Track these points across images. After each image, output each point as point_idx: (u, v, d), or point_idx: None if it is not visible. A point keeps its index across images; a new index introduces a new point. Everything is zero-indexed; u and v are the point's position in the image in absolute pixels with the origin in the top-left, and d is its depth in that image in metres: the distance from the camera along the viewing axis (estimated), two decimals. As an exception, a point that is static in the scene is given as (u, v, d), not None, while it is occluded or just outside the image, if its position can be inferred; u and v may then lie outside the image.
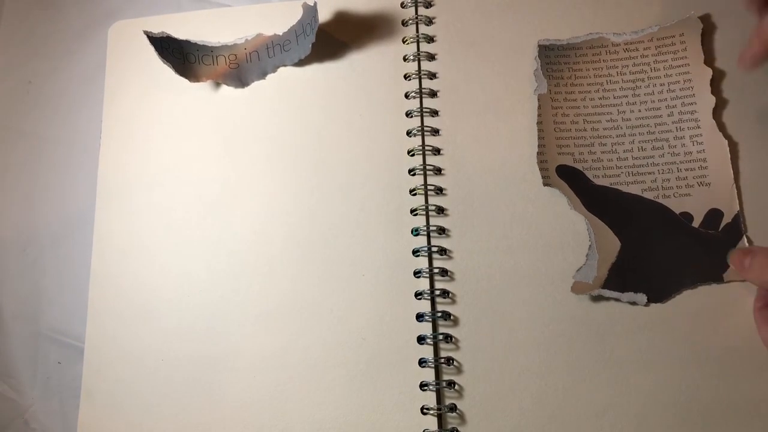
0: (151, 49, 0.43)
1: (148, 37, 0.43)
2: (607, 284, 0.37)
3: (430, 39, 0.44)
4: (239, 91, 0.45)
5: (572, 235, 0.39)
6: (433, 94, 0.43)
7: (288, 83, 0.45)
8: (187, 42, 0.44)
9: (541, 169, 0.40)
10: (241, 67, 0.45)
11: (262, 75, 0.45)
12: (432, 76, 0.43)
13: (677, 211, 0.38)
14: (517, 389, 0.37)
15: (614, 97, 0.41)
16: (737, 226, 0.37)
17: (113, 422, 0.40)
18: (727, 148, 0.39)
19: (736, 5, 0.38)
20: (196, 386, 0.40)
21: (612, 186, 0.39)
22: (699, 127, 0.39)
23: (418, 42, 0.44)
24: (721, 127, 0.39)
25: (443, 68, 0.43)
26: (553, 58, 0.42)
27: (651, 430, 0.36)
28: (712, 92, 0.40)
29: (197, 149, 0.44)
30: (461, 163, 0.41)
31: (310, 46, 0.43)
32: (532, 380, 0.37)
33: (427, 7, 0.45)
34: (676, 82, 0.40)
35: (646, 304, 0.37)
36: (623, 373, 0.37)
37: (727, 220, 0.38)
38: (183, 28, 0.45)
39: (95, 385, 0.41)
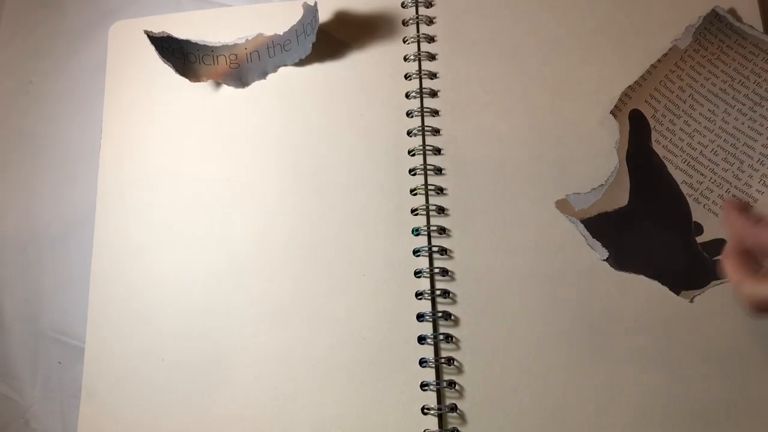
0: (152, 49, 0.43)
1: (149, 37, 0.43)
2: (587, 223, 0.39)
3: (431, 39, 0.44)
4: (239, 91, 0.45)
5: (572, 235, 0.39)
6: (433, 93, 0.43)
7: (288, 83, 0.45)
8: (187, 42, 0.44)
9: (620, 99, 0.40)
10: (241, 67, 0.45)
11: (263, 75, 0.45)
12: (432, 76, 0.43)
13: (694, 218, 0.39)
14: (517, 389, 0.37)
15: (732, 98, 0.40)
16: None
17: (113, 422, 0.40)
18: None
19: None
20: (196, 386, 0.40)
21: (663, 159, 0.40)
22: None
23: (418, 42, 0.44)
24: None
25: (444, 68, 0.43)
26: (714, 30, 0.41)
27: (651, 430, 0.36)
28: None
29: (197, 149, 0.44)
30: (461, 163, 0.41)
31: (311, 45, 0.43)
32: (532, 380, 0.37)
33: (427, 7, 0.45)
34: None
35: (602, 261, 0.38)
36: (623, 373, 0.37)
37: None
38: (183, 28, 0.45)
39: (95, 385, 0.41)
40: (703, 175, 0.39)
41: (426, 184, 0.41)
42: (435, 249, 0.40)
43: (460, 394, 0.38)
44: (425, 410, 0.38)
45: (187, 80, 0.44)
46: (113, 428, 0.40)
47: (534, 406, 0.37)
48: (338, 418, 0.38)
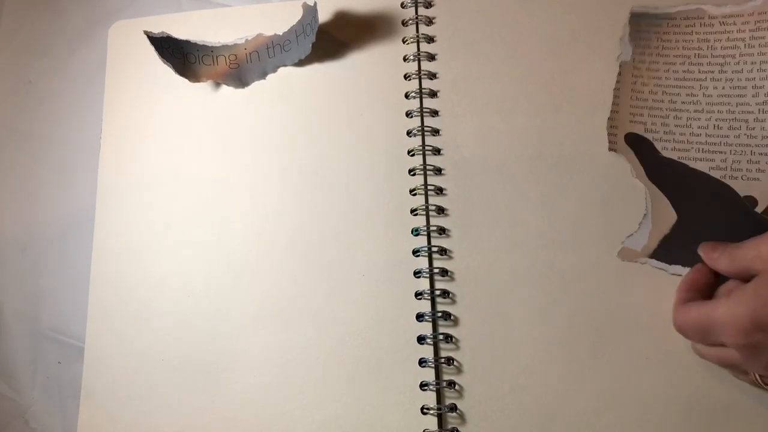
0: (152, 49, 0.43)
1: (149, 37, 0.43)
2: (655, 254, 0.37)
3: (430, 39, 0.44)
4: (239, 91, 0.45)
5: (572, 235, 0.39)
6: (433, 94, 0.43)
7: (288, 83, 0.45)
8: (187, 42, 0.44)
9: (609, 134, 0.39)
10: (241, 67, 0.45)
11: (263, 75, 0.45)
12: (432, 76, 0.43)
13: (741, 194, 0.37)
14: (517, 389, 0.37)
15: (699, 72, 0.40)
16: None
17: (113, 422, 0.40)
18: None
19: None
20: (196, 386, 0.40)
21: (680, 160, 0.39)
22: None
23: (418, 42, 0.44)
24: None
25: (443, 68, 0.43)
26: (643, 26, 0.41)
27: (651, 430, 0.36)
28: None
29: (197, 149, 0.44)
30: (461, 163, 0.41)
31: (311, 46, 0.43)
32: (532, 380, 0.37)
33: (427, 7, 0.45)
34: None
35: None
36: (623, 373, 0.37)
37: None
38: (183, 28, 0.45)
39: (95, 385, 0.41)
40: (722, 152, 0.38)
41: (426, 184, 0.41)
42: (435, 249, 0.40)
43: (460, 394, 0.38)
44: (425, 410, 0.38)
45: (186, 80, 0.44)
46: (113, 428, 0.40)
47: (534, 406, 0.37)
48: (338, 418, 0.38)
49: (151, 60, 0.44)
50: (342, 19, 0.45)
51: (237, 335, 0.40)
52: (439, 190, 0.41)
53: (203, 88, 0.45)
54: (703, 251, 0.35)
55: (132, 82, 0.46)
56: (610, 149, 0.39)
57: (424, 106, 0.43)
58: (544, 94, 0.42)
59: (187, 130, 0.45)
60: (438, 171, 0.41)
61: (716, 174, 0.38)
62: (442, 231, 0.40)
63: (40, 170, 0.47)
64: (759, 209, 0.37)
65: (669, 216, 0.38)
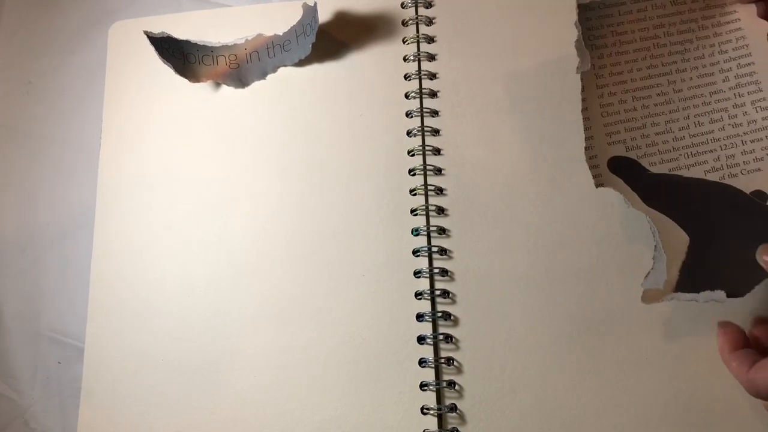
0: (152, 49, 0.43)
1: (148, 37, 0.43)
2: (680, 286, 0.33)
3: (431, 39, 0.44)
4: (239, 91, 0.45)
5: (572, 235, 0.39)
6: (433, 94, 0.43)
7: (288, 83, 0.45)
8: (187, 42, 0.44)
9: (591, 167, 0.35)
10: (241, 67, 0.45)
11: (262, 75, 0.45)
12: (432, 76, 0.43)
13: (748, 191, 0.34)
14: (517, 389, 0.37)
15: (663, 65, 0.36)
16: None
17: (113, 422, 0.40)
18: None
19: None
20: (196, 386, 0.40)
21: (671, 172, 0.35)
22: (761, 90, 0.35)
23: (418, 42, 0.44)
24: None
25: (443, 68, 0.43)
26: (595, 21, 0.37)
27: (651, 430, 0.36)
28: None
29: (197, 149, 0.44)
30: (461, 163, 0.41)
31: (310, 46, 0.43)
32: (532, 380, 0.37)
33: (427, 7, 0.45)
34: (728, 41, 0.36)
35: (725, 302, 0.32)
36: (623, 373, 0.37)
37: None
38: (183, 28, 0.45)
39: (95, 385, 0.41)
40: (712, 151, 0.35)
41: (426, 184, 0.41)
42: (434, 249, 0.40)
43: (460, 394, 0.38)
44: (425, 410, 0.38)
45: (186, 81, 0.44)
46: (113, 428, 0.40)
47: (534, 406, 0.37)
48: (338, 418, 0.38)
49: (151, 60, 0.44)
50: (342, 19, 0.45)
51: (237, 335, 0.40)
52: (439, 190, 0.41)
53: (203, 88, 0.45)
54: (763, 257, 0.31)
55: (132, 82, 0.46)
56: (598, 185, 0.35)
57: (424, 106, 0.43)
58: (544, 94, 0.42)
59: (187, 130, 0.45)
60: (438, 171, 0.41)
61: (714, 176, 0.35)
62: (442, 231, 0.40)
63: (40, 170, 0.47)
64: None
65: (681, 239, 0.34)
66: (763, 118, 0.35)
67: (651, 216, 0.34)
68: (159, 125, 0.45)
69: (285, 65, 0.45)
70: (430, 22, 0.44)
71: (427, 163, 0.42)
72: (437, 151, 0.42)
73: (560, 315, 0.38)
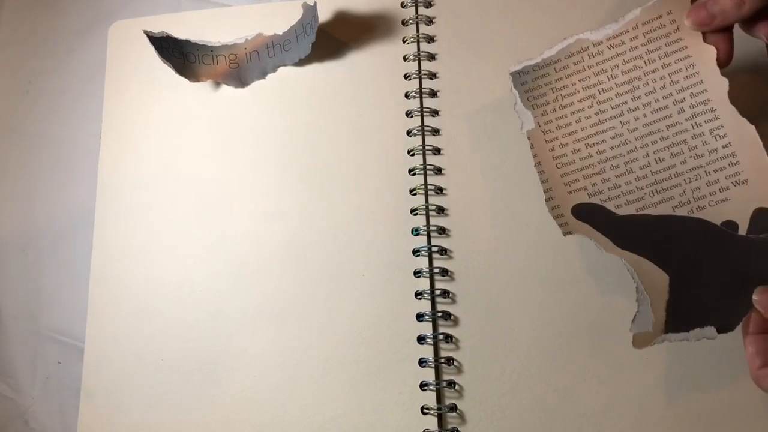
0: (152, 48, 0.43)
1: (148, 36, 0.42)
2: (670, 326, 0.32)
3: (431, 39, 0.44)
4: (239, 91, 0.45)
5: (572, 235, 0.39)
6: (433, 93, 0.43)
7: (288, 83, 0.45)
8: (187, 42, 0.44)
9: (555, 217, 0.35)
10: (241, 67, 0.45)
11: (262, 75, 0.45)
12: (432, 76, 0.43)
13: (718, 222, 0.33)
14: (517, 389, 0.37)
15: (612, 108, 0.35)
16: None
17: (113, 422, 0.40)
18: (756, 135, 0.33)
19: None
20: (195, 386, 0.40)
21: (639, 212, 0.34)
22: (717, 117, 0.34)
23: (418, 42, 0.44)
24: (743, 111, 0.33)
25: (443, 68, 0.43)
26: (531, 83, 0.36)
27: (651, 430, 0.36)
28: (723, 74, 0.34)
29: (197, 149, 0.44)
30: (461, 163, 0.41)
31: (310, 45, 0.43)
32: (532, 380, 0.37)
33: (427, 7, 0.45)
34: (678, 70, 0.35)
35: (717, 338, 0.32)
36: (623, 373, 0.37)
37: None
38: (183, 27, 0.45)
39: (95, 385, 0.41)
40: (677, 185, 0.34)
41: (426, 184, 0.41)
42: (435, 249, 0.40)
43: (460, 394, 0.38)
44: (425, 410, 0.38)
45: (186, 80, 0.44)
46: (113, 428, 0.40)
47: (534, 406, 0.37)
48: (338, 418, 0.38)
49: (150, 59, 0.44)
50: (342, 19, 0.45)
51: (237, 335, 0.40)
52: (439, 190, 0.41)
53: (203, 88, 0.45)
54: (763, 305, 0.31)
55: (131, 82, 0.46)
56: (565, 233, 0.34)
57: (424, 105, 0.43)
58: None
59: (187, 130, 0.45)
60: (438, 171, 0.41)
61: (683, 211, 0.34)
62: (442, 231, 0.40)
63: (40, 170, 0.47)
64: (742, 230, 0.33)
65: (661, 278, 0.33)
66: (723, 146, 0.34)
67: (627, 258, 0.34)
68: (159, 125, 0.45)
69: (285, 65, 0.45)
70: (430, 21, 0.44)
71: (427, 162, 0.42)
72: (437, 151, 0.42)
73: (560, 315, 0.38)
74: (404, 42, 0.44)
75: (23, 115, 0.49)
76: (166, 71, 0.44)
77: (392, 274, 0.40)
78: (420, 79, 0.43)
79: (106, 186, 0.45)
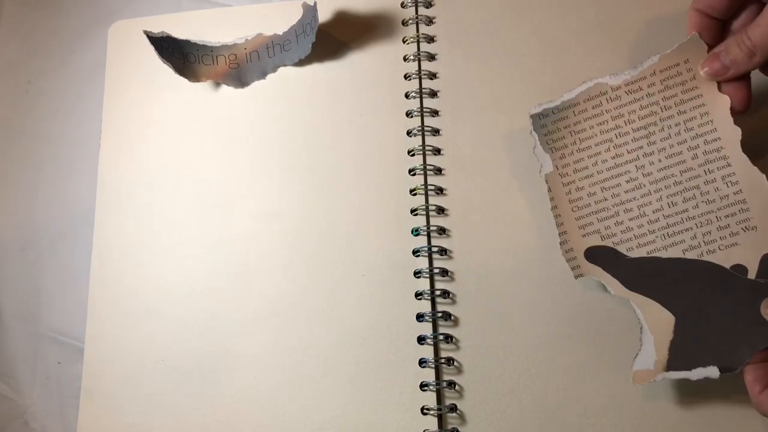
0: (152, 49, 0.43)
1: (148, 36, 0.42)
2: (671, 365, 0.33)
3: (431, 39, 0.44)
4: (239, 91, 0.45)
5: (583, 277, 0.38)
6: (433, 94, 0.43)
7: (288, 83, 0.45)
8: (186, 42, 0.44)
9: (568, 260, 0.36)
10: (241, 67, 0.45)
11: (262, 75, 0.45)
12: (432, 76, 0.43)
13: (727, 266, 0.34)
14: (517, 389, 0.37)
15: (628, 152, 0.36)
16: None
17: (113, 422, 0.40)
18: (767, 183, 0.34)
19: None
20: (195, 386, 0.40)
21: (649, 255, 0.35)
22: (729, 165, 0.35)
23: (418, 42, 0.44)
24: (755, 160, 0.35)
25: (443, 68, 0.43)
26: (551, 126, 0.37)
27: (650, 430, 0.36)
28: (737, 123, 0.35)
29: (197, 149, 0.44)
30: (461, 163, 0.41)
31: (310, 46, 0.43)
32: (532, 380, 0.37)
33: (427, 7, 0.45)
34: (693, 118, 0.36)
35: (719, 378, 0.33)
36: (623, 373, 0.37)
37: None
38: (183, 27, 0.45)
39: (95, 385, 0.41)
40: (688, 229, 0.35)
41: (426, 184, 0.41)
42: (435, 249, 0.40)
43: (460, 394, 0.38)
44: (425, 410, 0.38)
45: (186, 81, 0.44)
46: (113, 428, 0.40)
47: (534, 406, 0.37)
48: (338, 418, 0.38)
49: (150, 60, 0.44)
50: (342, 19, 0.45)
51: (237, 335, 0.40)
52: (439, 190, 0.41)
53: (203, 88, 0.45)
54: None
55: (131, 82, 0.46)
56: (577, 276, 0.36)
57: (424, 106, 0.43)
58: (544, 94, 0.42)
59: (187, 130, 0.45)
60: (438, 171, 0.41)
61: (692, 255, 0.35)
62: (442, 231, 0.40)
63: (40, 170, 0.47)
64: (751, 275, 0.34)
65: (666, 319, 0.34)
66: (734, 193, 0.35)
67: (633, 300, 0.35)
68: (159, 125, 0.45)
69: (285, 65, 0.45)
70: (430, 21, 0.44)
71: (427, 163, 0.42)
72: (437, 151, 0.42)
73: (560, 315, 0.38)
74: (404, 42, 0.44)
75: (23, 115, 0.49)
76: (167, 71, 0.44)
77: (392, 274, 0.40)
78: (420, 79, 0.43)
79: (106, 186, 0.45)
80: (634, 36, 0.42)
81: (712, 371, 0.33)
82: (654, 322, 0.34)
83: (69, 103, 0.48)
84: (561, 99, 0.37)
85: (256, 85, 0.45)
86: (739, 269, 0.34)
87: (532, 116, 0.37)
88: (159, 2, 0.49)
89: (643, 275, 0.35)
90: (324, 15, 0.45)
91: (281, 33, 0.44)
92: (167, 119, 0.45)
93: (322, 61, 0.45)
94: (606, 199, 0.36)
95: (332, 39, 0.45)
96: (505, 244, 0.39)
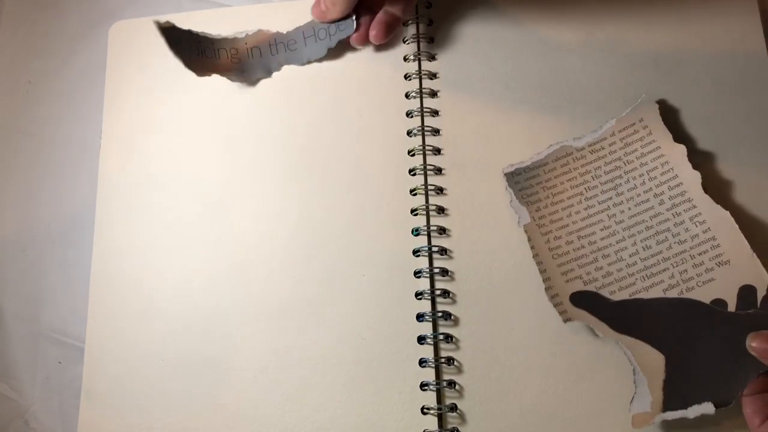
0: (153, 48, 0.43)
1: (159, 27, 0.40)
2: (667, 405, 0.34)
3: (431, 39, 0.44)
4: (239, 91, 0.45)
5: (572, 322, 0.38)
6: (433, 94, 0.43)
7: (289, 83, 0.45)
8: (189, 32, 0.42)
9: (555, 305, 0.37)
10: (243, 62, 0.44)
11: (267, 73, 0.45)
12: (432, 76, 0.43)
13: (707, 301, 0.36)
14: (517, 389, 0.37)
15: (599, 203, 0.39)
16: None
17: (113, 422, 0.40)
18: (732, 219, 0.36)
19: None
20: (195, 386, 0.40)
21: (632, 297, 0.37)
22: (695, 206, 0.37)
23: (418, 42, 0.44)
24: (717, 199, 0.37)
25: (443, 68, 0.43)
26: (524, 183, 0.40)
27: (650, 430, 0.36)
28: (695, 167, 0.38)
29: (197, 149, 0.44)
30: (461, 163, 0.41)
31: (326, 50, 0.43)
32: (532, 380, 0.37)
33: (427, 7, 0.45)
34: (655, 168, 0.39)
35: (715, 413, 0.33)
36: (623, 374, 0.37)
37: (762, 292, 0.35)
38: (183, 27, 0.45)
39: (95, 385, 0.41)
40: (665, 270, 0.37)
41: (426, 184, 0.41)
42: (435, 249, 0.40)
43: (460, 394, 0.38)
44: (425, 410, 0.38)
45: (185, 81, 0.44)
46: (113, 428, 0.40)
47: (533, 406, 0.37)
48: (338, 418, 0.38)
49: (151, 60, 0.44)
50: (342, 19, 0.45)
51: (237, 335, 0.40)
52: (439, 190, 0.41)
53: (203, 88, 0.45)
54: (759, 351, 0.32)
55: (132, 82, 0.46)
56: (566, 321, 0.36)
57: (424, 106, 0.43)
58: (544, 95, 0.42)
59: (187, 130, 0.45)
60: (438, 171, 0.41)
61: (673, 293, 0.36)
62: (442, 231, 0.40)
63: (40, 170, 0.47)
64: (731, 307, 0.35)
65: (656, 359, 0.35)
66: (703, 231, 0.37)
67: (623, 342, 0.36)
68: (159, 125, 0.45)
69: (290, 64, 0.44)
70: (430, 21, 0.44)
71: (427, 163, 0.42)
72: (437, 151, 0.42)
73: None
74: (404, 42, 0.44)
75: (23, 115, 0.49)
76: (167, 71, 0.44)
77: (392, 274, 0.40)
78: (420, 79, 0.43)
79: (106, 186, 0.45)
80: (633, 33, 0.42)
81: (708, 407, 0.33)
82: (645, 363, 0.35)
83: (69, 104, 0.48)
84: (531, 160, 0.40)
85: (256, 85, 0.45)
86: (720, 303, 0.36)
87: (505, 174, 0.40)
88: (159, 2, 0.49)
89: (628, 317, 0.36)
90: (324, 15, 0.45)
91: (285, 32, 0.44)
92: (168, 119, 0.45)
93: (322, 61, 0.45)
94: (584, 247, 0.38)
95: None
96: (505, 243, 0.39)
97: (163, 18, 0.47)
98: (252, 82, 0.45)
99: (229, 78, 0.44)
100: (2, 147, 0.48)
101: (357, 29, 0.42)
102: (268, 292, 0.41)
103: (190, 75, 0.43)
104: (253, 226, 0.42)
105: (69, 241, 0.45)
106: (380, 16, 0.42)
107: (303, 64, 0.44)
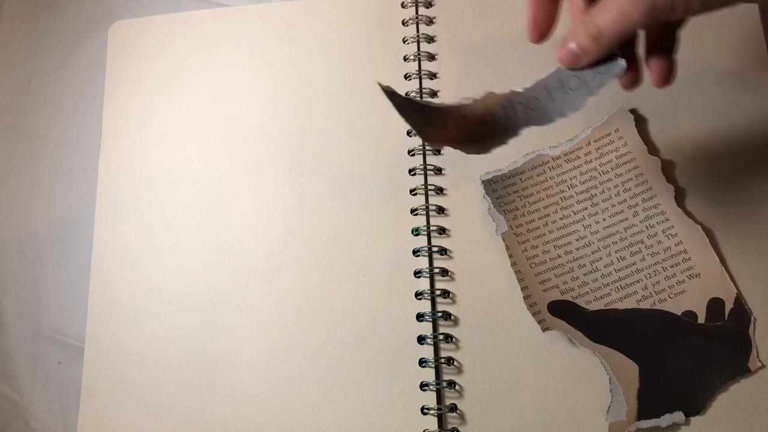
0: (151, 49, 0.43)
1: (389, 95, 0.32)
2: (641, 414, 0.35)
3: (431, 39, 0.44)
4: (239, 91, 0.45)
5: (550, 331, 0.38)
6: (433, 94, 0.43)
7: (288, 83, 0.45)
8: (410, 101, 0.34)
9: (533, 314, 0.37)
10: (472, 132, 0.34)
11: (504, 141, 0.34)
12: (432, 76, 0.43)
13: (679, 313, 0.37)
14: (517, 389, 0.37)
15: (574, 213, 0.39)
16: (742, 310, 0.36)
17: (113, 422, 0.40)
18: (703, 233, 0.37)
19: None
20: (195, 386, 0.40)
21: (607, 307, 0.37)
22: (668, 219, 0.38)
23: (418, 42, 0.44)
24: (690, 214, 0.38)
25: (443, 68, 0.43)
26: (501, 191, 0.40)
27: (651, 430, 0.36)
28: (668, 181, 0.38)
29: (197, 149, 0.44)
30: (461, 162, 0.41)
31: (586, 101, 0.32)
32: (532, 380, 0.37)
33: (427, 7, 0.45)
34: (629, 179, 0.39)
35: (686, 422, 0.35)
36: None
37: (729, 305, 0.36)
38: (183, 27, 0.45)
39: (95, 385, 0.41)
40: (639, 281, 0.37)
41: (426, 184, 0.41)
42: (435, 249, 0.40)
43: (460, 394, 0.38)
44: (425, 410, 0.38)
45: (184, 81, 0.44)
46: (113, 428, 0.40)
47: (534, 406, 0.37)
48: (338, 418, 0.38)
49: (151, 59, 0.44)
50: (342, 19, 0.45)
51: (236, 335, 0.40)
52: (439, 190, 0.41)
53: (202, 88, 0.45)
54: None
55: (132, 82, 0.46)
56: (544, 330, 0.37)
57: (424, 106, 0.43)
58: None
59: (187, 130, 0.45)
60: (438, 171, 0.41)
61: (646, 304, 0.37)
62: (442, 231, 0.40)
63: (40, 170, 0.47)
64: (701, 319, 0.36)
65: (631, 368, 0.36)
66: (675, 244, 0.38)
67: (599, 351, 0.36)
68: (159, 125, 0.45)
69: (534, 125, 0.33)
70: (430, 21, 0.44)
71: (427, 162, 0.42)
72: (437, 151, 0.42)
73: (560, 315, 0.38)
74: (404, 42, 0.44)
75: (23, 115, 0.48)
76: (166, 71, 0.44)
77: (392, 274, 0.40)
78: (420, 79, 0.43)
79: (106, 186, 0.45)
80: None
81: (678, 416, 0.34)
82: (620, 372, 0.36)
83: (69, 104, 0.48)
84: (508, 168, 0.40)
85: (256, 86, 0.45)
86: (690, 315, 0.36)
87: (483, 182, 0.40)
88: (159, 2, 0.49)
89: (604, 327, 0.37)
90: (324, 14, 0.45)
91: (521, 89, 0.33)
92: (167, 119, 0.45)
93: (322, 60, 0.45)
94: (560, 256, 0.38)
95: (333, 38, 0.45)
96: (505, 243, 0.39)
97: (163, 19, 0.47)
98: (489, 150, 0.34)
99: (463, 151, 0.34)
100: (2, 147, 0.48)
101: (625, 71, 0.31)
102: (268, 292, 0.41)
103: (190, 74, 0.42)
104: (253, 226, 0.42)
105: (69, 241, 0.45)
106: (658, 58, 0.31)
107: (552, 122, 0.33)
